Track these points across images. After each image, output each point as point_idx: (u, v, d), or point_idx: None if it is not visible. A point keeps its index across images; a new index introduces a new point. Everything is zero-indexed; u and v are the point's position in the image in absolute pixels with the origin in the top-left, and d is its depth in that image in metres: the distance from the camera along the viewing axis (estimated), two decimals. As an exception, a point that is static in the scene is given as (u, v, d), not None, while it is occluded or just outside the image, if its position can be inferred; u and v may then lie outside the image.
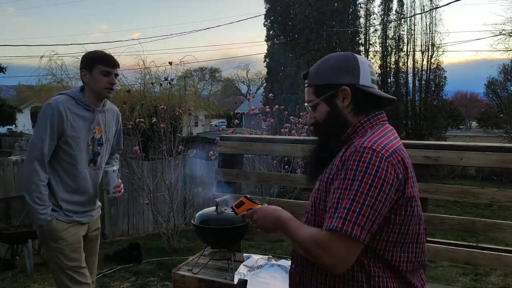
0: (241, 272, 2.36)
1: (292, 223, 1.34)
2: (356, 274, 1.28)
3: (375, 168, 1.21)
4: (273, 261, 2.49)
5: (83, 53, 2.51)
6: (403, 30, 16.86)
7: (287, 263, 2.49)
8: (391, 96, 1.44)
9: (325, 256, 1.21)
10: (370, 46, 17.01)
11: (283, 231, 1.37)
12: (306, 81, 1.45)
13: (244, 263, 2.46)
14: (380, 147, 1.24)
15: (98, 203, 2.70)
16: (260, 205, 1.55)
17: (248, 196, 1.61)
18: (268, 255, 4.72)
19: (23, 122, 31.05)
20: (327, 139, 1.42)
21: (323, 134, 1.44)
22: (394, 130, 1.39)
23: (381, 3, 16.75)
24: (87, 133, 2.45)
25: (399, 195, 1.24)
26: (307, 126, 7.78)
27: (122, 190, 2.68)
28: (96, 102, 2.48)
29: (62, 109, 2.34)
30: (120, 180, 2.65)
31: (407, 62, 16.73)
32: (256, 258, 2.48)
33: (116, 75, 2.48)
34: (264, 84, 17.00)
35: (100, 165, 2.57)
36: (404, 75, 16.87)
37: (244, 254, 2.54)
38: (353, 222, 1.18)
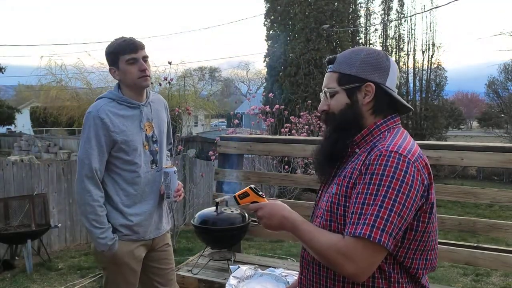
0: (232, 283, 2.34)
1: (306, 227, 1.28)
2: (377, 281, 1.24)
3: (402, 173, 1.17)
4: (260, 271, 2.47)
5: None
6: (403, 30, 16.85)
7: (275, 271, 2.48)
8: (409, 105, 1.40)
9: (348, 264, 1.16)
10: (371, 45, 16.99)
11: (292, 233, 1.31)
12: (330, 66, 1.38)
13: (232, 274, 2.43)
14: (406, 152, 1.21)
15: (167, 216, 2.44)
16: (265, 199, 1.47)
17: (254, 187, 1.49)
18: (266, 255, 4.70)
19: (22, 122, 31.04)
20: (338, 132, 1.34)
21: (334, 124, 1.36)
22: (409, 135, 1.36)
23: (382, 2, 16.74)
24: (139, 133, 2.19)
25: (423, 201, 1.21)
26: (307, 126, 7.79)
27: (183, 194, 2.37)
28: (137, 96, 2.21)
29: (104, 115, 2.09)
30: (180, 183, 2.33)
31: (407, 62, 16.70)
32: (244, 269, 2.46)
33: (145, 57, 2.17)
34: (264, 84, 16.98)
35: (161, 165, 2.30)
36: (404, 75, 16.85)
37: (231, 266, 2.51)
38: (381, 229, 1.13)
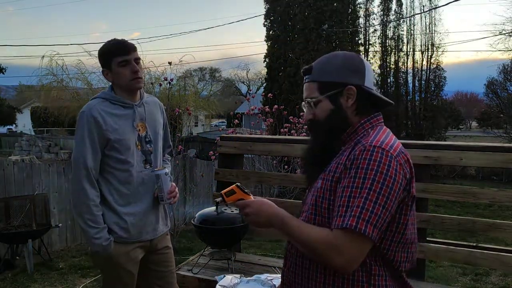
0: None
1: (295, 223, 1.31)
2: (357, 273, 1.27)
3: (386, 167, 1.21)
4: (245, 278, 2.48)
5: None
6: (402, 30, 16.88)
7: (260, 277, 2.49)
8: (389, 100, 1.45)
9: (336, 256, 1.19)
10: (370, 46, 17.01)
11: (280, 229, 1.33)
12: (307, 76, 1.42)
13: (219, 283, 2.45)
14: (388, 147, 1.26)
15: (165, 217, 2.40)
16: (251, 196, 1.48)
17: (240, 185, 1.50)
18: (266, 254, 4.70)
19: (23, 122, 31.06)
20: (326, 137, 1.39)
21: (321, 131, 1.40)
22: (392, 132, 1.40)
23: (381, 3, 16.76)
24: (132, 132, 2.18)
25: (405, 194, 1.26)
26: (306, 126, 7.78)
27: (178, 196, 2.33)
28: (130, 97, 2.21)
29: (97, 114, 2.09)
30: (174, 184, 2.30)
31: (406, 62, 16.72)
32: (230, 277, 2.48)
33: (137, 59, 2.17)
34: (264, 84, 17.00)
35: (156, 166, 2.28)
36: (403, 75, 16.86)
37: (216, 276, 2.52)
38: (367, 220, 1.17)
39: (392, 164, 1.22)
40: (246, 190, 1.49)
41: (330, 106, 1.37)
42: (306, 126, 7.60)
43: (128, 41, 2.21)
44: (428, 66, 16.53)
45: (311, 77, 1.41)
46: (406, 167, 1.27)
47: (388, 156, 1.23)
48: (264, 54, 15.41)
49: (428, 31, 16.55)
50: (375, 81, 1.67)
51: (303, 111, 1.49)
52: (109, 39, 2.22)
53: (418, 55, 16.71)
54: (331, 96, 1.37)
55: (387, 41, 16.81)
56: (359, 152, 1.25)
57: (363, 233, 1.17)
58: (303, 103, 1.45)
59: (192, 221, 2.89)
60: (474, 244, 2.97)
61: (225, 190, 1.51)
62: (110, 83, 2.26)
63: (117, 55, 2.13)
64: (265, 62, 15.35)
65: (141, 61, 2.24)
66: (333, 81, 1.37)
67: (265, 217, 1.36)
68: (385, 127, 1.40)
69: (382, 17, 16.88)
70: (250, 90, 30.29)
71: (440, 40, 16.90)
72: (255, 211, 1.38)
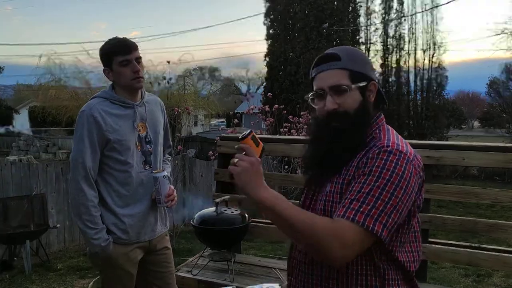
0: None
1: (284, 204, 1.23)
2: (370, 279, 1.24)
3: (402, 169, 1.20)
4: None
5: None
6: (403, 29, 16.82)
7: (261, 287, 2.46)
8: (386, 100, 1.43)
9: (338, 247, 1.13)
10: (371, 45, 16.97)
11: (265, 206, 1.22)
12: (333, 63, 1.29)
13: None
14: (404, 150, 1.24)
15: (165, 218, 2.38)
16: (260, 149, 1.31)
17: (255, 135, 1.31)
18: (266, 256, 4.67)
19: (21, 121, 31.02)
20: (357, 128, 1.27)
21: (348, 123, 1.27)
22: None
23: (382, 1, 16.72)
24: (132, 132, 2.16)
25: (417, 197, 1.25)
26: (306, 126, 7.75)
27: (176, 199, 2.30)
28: (131, 97, 2.19)
29: (97, 114, 2.07)
30: (172, 187, 2.27)
31: (408, 61, 16.68)
32: None
33: (138, 58, 2.15)
34: (264, 83, 16.98)
35: (156, 167, 2.26)
36: (405, 74, 16.82)
37: None
38: (375, 219, 1.15)
39: (408, 167, 1.21)
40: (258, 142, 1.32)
41: (360, 97, 1.30)
42: (306, 126, 7.61)
43: (130, 39, 2.19)
44: (430, 65, 16.46)
45: (341, 64, 1.29)
46: (420, 171, 1.26)
47: (405, 159, 1.21)
48: (264, 53, 15.40)
49: (430, 29, 16.49)
50: None
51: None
52: (110, 38, 2.20)
53: (419, 54, 16.66)
54: (361, 88, 1.30)
55: (389, 40, 16.76)
56: (373, 154, 1.22)
57: (371, 231, 1.14)
58: (312, 94, 1.33)
59: (192, 222, 2.86)
60: (476, 245, 2.94)
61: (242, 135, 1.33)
62: (111, 82, 2.24)
63: (118, 54, 2.11)
64: (265, 61, 15.33)
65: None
66: (363, 72, 1.31)
67: (250, 185, 1.24)
68: (389, 127, 1.36)
69: (383, 15, 16.84)
70: (250, 90, 30.31)
71: (442, 39, 16.84)
72: (246, 170, 1.24)
